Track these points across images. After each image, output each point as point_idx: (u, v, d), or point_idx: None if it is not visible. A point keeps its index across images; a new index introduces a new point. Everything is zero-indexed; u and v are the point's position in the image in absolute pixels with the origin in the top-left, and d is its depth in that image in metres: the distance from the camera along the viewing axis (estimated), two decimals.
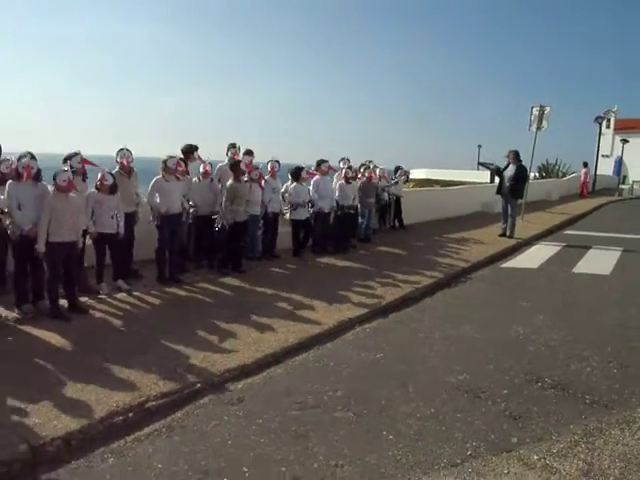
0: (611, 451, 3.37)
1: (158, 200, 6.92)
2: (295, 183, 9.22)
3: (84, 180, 6.26)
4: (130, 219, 6.73)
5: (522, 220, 13.93)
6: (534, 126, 14.89)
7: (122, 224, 6.36)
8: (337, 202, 9.86)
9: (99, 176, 6.19)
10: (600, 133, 33.49)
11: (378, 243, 10.74)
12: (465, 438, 3.54)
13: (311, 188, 9.43)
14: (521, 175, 12.28)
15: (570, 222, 16.08)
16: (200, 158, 7.96)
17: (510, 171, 12.19)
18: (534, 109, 14.96)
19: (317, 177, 9.62)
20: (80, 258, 6.07)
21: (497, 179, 13.79)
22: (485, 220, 14.64)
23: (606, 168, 38.22)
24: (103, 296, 6.28)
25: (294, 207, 9.12)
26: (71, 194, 5.56)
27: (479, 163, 29.35)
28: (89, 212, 6.14)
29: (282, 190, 9.12)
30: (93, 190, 6.26)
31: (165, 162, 6.96)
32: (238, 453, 3.34)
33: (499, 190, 12.48)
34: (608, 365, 4.89)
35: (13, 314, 5.50)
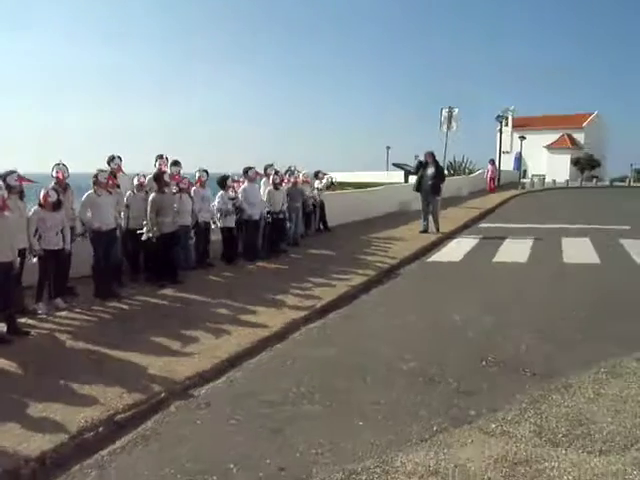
0: (556, 413, 3.79)
1: (90, 215, 6.76)
2: (222, 191, 9.26)
3: (21, 199, 6.00)
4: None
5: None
6: (444, 127, 15.80)
7: (68, 239, 6.18)
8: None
9: (42, 193, 6.00)
10: (501, 131, 35.93)
11: (307, 246, 10.97)
12: (429, 416, 3.83)
13: (239, 195, 9.50)
14: (442, 174, 13.08)
15: (483, 215, 17.19)
16: (121, 169, 7.81)
17: (430, 170, 12.93)
18: (444, 110, 15.89)
19: (245, 184, 9.70)
20: (18, 278, 5.83)
21: (412, 178, 14.49)
22: (404, 218, 15.27)
23: (507, 164, 41.08)
24: (43, 315, 6.06)
25: (223, 214, 9.15)
26: (6, 213, 5.35)
27: (394, 164, 30.52)
28: (32, 230, 5.92)
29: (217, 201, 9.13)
30: (36, 207, 6.04)
31: (96, 176, 6.82)
32: (220, 453, 3.42)
33: (418, 188, 13.15)
34: (540, 341, 5.40)
35: None
